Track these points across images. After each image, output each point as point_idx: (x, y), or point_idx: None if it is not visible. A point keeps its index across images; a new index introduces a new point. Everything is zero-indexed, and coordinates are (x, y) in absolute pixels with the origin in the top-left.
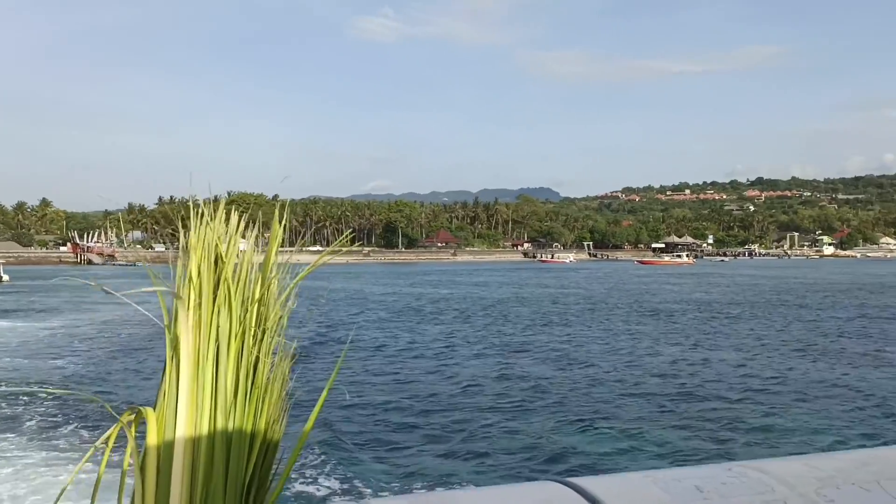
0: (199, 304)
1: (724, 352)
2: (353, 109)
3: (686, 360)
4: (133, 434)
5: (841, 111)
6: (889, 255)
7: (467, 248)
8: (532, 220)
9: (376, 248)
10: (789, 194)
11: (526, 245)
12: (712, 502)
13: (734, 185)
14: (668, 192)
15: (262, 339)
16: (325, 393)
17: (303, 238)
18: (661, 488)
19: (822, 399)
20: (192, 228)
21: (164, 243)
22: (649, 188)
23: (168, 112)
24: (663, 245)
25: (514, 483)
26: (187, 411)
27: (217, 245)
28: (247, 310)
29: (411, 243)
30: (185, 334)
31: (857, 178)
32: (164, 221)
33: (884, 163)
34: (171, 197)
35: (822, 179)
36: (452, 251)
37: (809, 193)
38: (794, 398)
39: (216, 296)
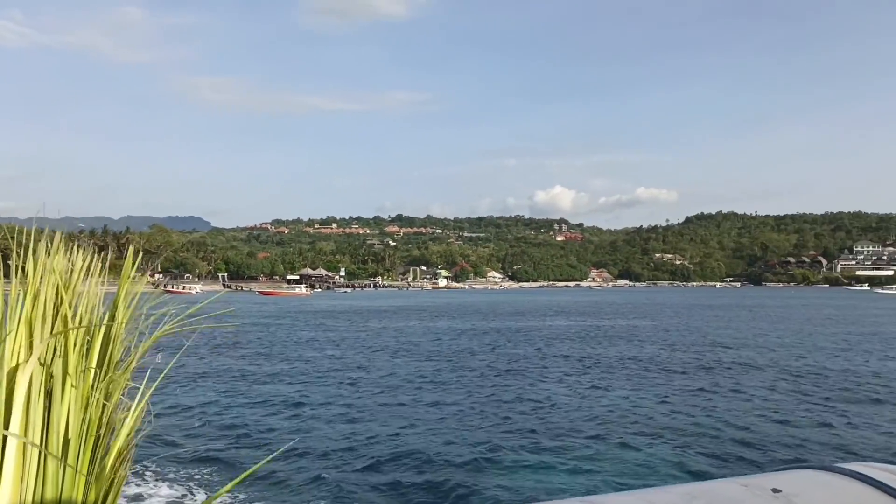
0: (31, 345)
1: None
2: None
3: None
4: None
5: (475, 157)
6: (491, 286)
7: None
8: (166, 250)
9: None
10: (424, 231)
11: (157, 276)
12: None
13: (377, 221)
14: (316, 226)
15: (103, 382)
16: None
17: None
18: None
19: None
20: (28, 261)
21: None
22: (298, 221)
23: None
24: (298, 277)
25: None
26: (14, 461)
27: (57, 280)
28: (88, 351)
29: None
30: (19, 377)
31: (480, 218)
32: None
33: (506, 205)
34: None
35: (452, 218)
36: None
37: (441, 231)
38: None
39: (53, 335)
